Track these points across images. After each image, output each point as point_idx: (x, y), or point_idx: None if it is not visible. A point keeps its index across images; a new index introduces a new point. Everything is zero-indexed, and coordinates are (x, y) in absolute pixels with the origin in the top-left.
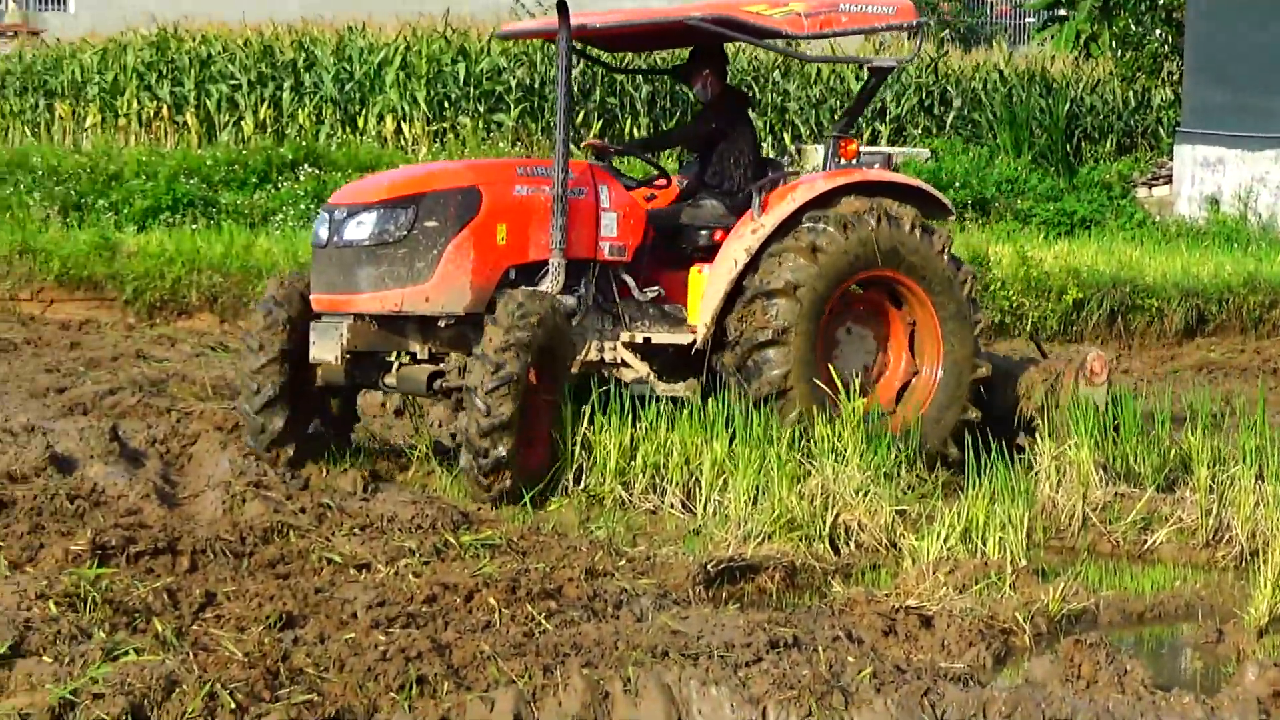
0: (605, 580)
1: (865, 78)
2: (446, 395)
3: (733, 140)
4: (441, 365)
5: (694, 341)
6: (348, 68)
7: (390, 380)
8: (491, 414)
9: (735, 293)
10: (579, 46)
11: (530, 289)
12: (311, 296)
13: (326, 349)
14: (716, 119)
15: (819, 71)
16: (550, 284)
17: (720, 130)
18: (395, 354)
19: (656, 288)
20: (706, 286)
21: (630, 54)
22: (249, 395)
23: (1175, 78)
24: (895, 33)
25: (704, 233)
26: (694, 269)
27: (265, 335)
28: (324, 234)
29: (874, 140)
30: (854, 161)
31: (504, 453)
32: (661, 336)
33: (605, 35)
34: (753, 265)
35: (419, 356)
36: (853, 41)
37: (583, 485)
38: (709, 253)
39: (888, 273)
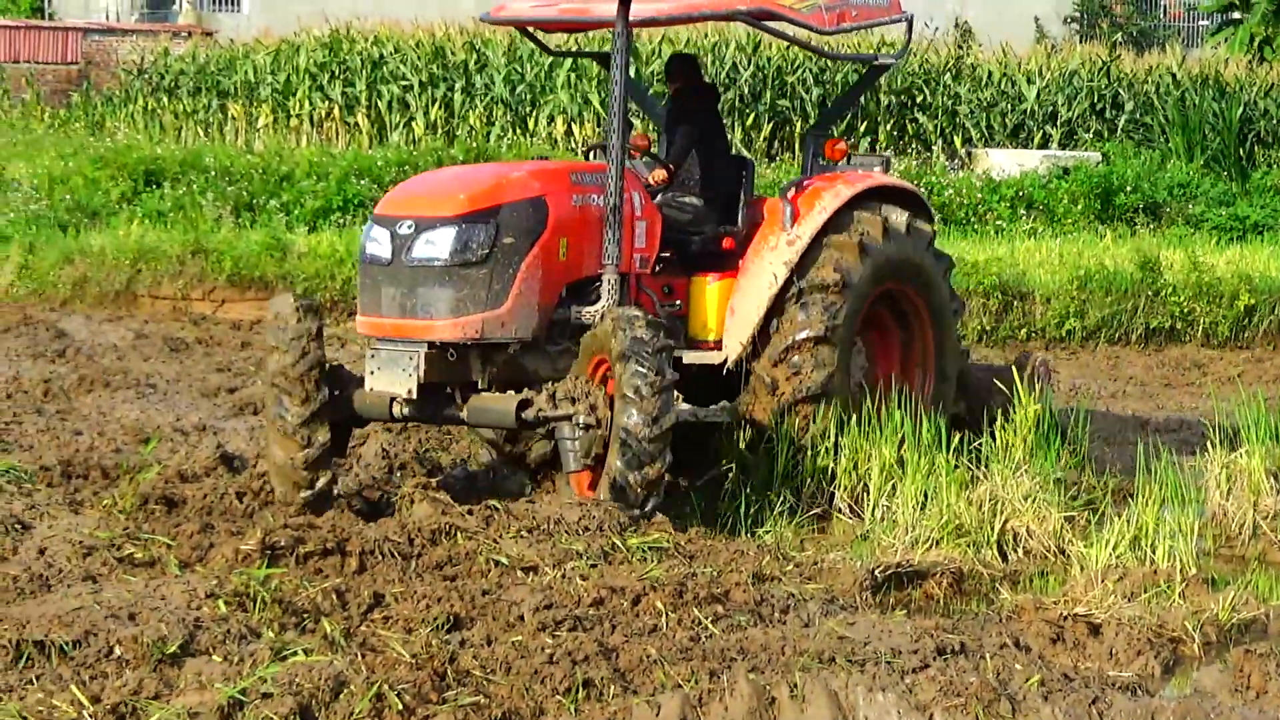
0: (772, 585)
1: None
2: (537, 427)
3: (710, 138)
4: (527, 394)
5: (725, 361)
6: (519, 69)
7: (462, 413)
8: (653, 461)
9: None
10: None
11: (640, 314)
12: (365, 319)
13: (396, 381)
14: (694, 115)
15: (990, 74)
16: (606, 303)
17: (699, 128)
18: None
19: (676, 301)
20: (737, 303)
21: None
22: (289, 409)
23: None
24: (894, 26)
25: (698, 238)
26: (700, 280)
27: (305, 345)
28: (384, 250)
29: (1045, 144)
30: (845, 162)
31: (657, 500)
32: (692, 356)
33: (652, 24)
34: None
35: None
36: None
37: (749, 489)
38: (705, 260)
39: (897, 284)
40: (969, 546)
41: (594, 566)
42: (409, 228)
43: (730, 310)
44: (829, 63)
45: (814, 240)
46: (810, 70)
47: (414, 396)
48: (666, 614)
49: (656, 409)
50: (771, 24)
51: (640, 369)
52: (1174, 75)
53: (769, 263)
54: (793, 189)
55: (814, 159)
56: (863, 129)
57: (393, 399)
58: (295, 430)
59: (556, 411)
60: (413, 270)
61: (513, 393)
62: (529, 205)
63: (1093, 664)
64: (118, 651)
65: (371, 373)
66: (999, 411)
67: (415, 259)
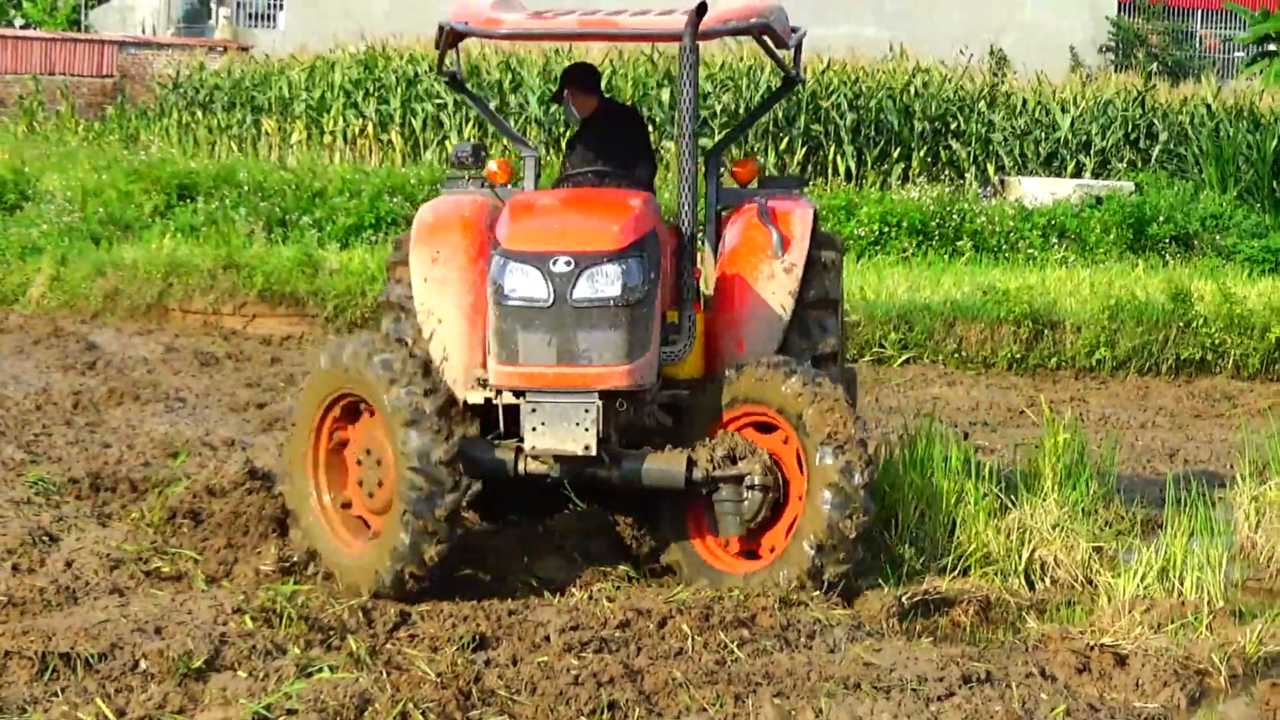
0: (799, 610)
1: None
2: (703, 489)
3: (643, 158)
4: (695, 451)
5: None
6: (553, 89)
7: (612, 473)
8: (867, 513)
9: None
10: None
11: (808, 364)
12: (514, 369)
13: (568, 438)
14: (610, 137)
15: (1024, 102)
16: (684, 346)
17: (618, 147)
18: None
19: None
20: (746, 336)
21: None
22: (441, 501)
23: None
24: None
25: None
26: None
27: (450, 425)
28: (539, 290)
29: (1079, 173)
30: (753, 184)
31: (860, 555)
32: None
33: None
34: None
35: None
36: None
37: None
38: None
39: None
40: (996, 575)
41: (619, 588)
42: (567, 264)
43: (737, 344)
44: (866, 88)
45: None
46: (845, 95)
47: (594, 453)
48: (692, 637)
49: (865, 497)
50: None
51: (850, 452)
52: (1209, 106)
53: (773, 293)
54: (767, 213)
55: (714, 177)
56: (896, 155)
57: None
58: (439, 525)
59: (729, 471)
60: (580, 312)
61: (674, 449)
62: (654, 236)
63: (1119, 695)
64: (143, 665)
65: (533, 429)
66: None
67: (583, 299)
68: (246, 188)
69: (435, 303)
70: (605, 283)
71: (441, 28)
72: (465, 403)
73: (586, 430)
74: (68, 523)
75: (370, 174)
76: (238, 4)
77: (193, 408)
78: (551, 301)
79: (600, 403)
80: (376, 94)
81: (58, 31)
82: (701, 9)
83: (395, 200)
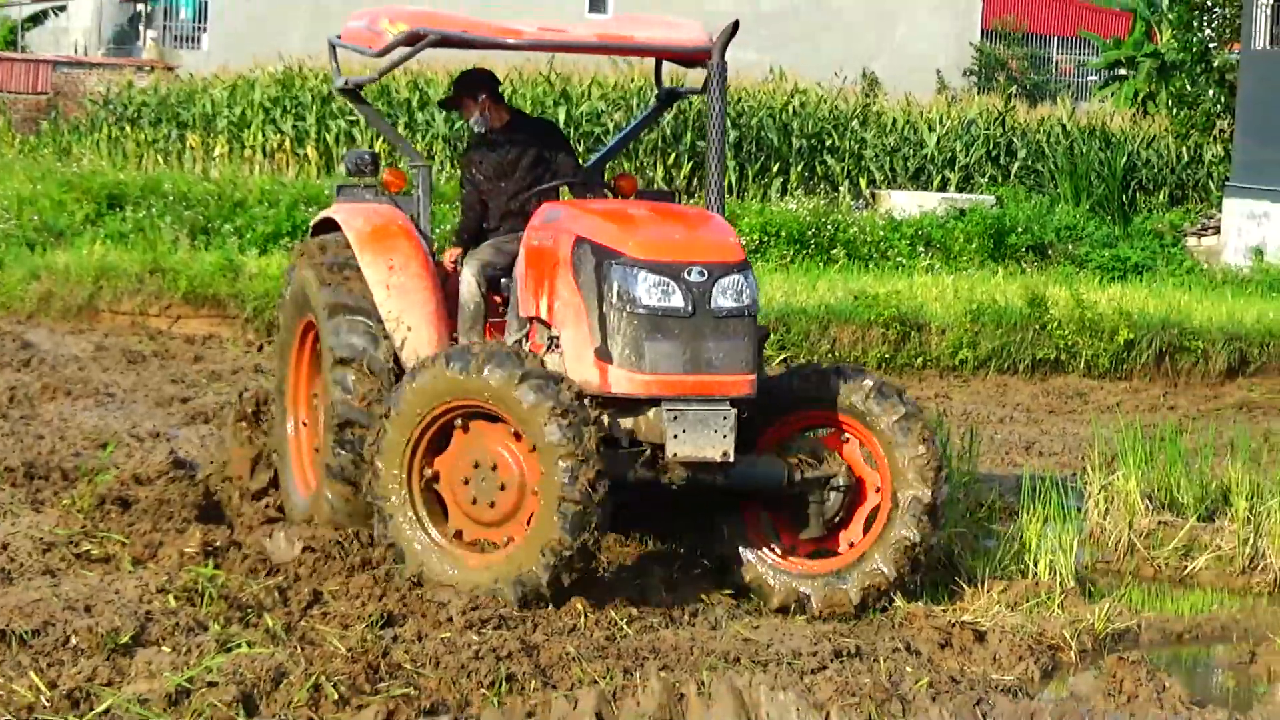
0: (684, 590)
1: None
2: (796, 491)
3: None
4: (783, 454)
5: None
6: None
7: (715, 478)
8: (944, 516)
9: None
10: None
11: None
12: (653, 377)
13: (708, 444)
14: (541, 149)
15: (894, 121)
16: None
17: (554, 160)
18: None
19: None
20: None
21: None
22: (588, 522)
23: (1226, 135)
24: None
25: None
26: None
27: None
28: (679, 300)
29: (944, 187)
30: (633, 198)
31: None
32: None
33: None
34: None
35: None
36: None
37: None
38: None
39: None
40: None
41: None
42: (701, 275)
43: None
44: (748, 107)
45: None
46: (729, 114)
47: (730, 460)
48: (585, 615)
49: (943, 501)
50: None
51: (929, 447)
52: (1064, 126)
53: None
54: None
55: (599, 194)
56: (775, 169)
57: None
58: (575, 551)
59: (817, 473)
60: (720, 321)
61: (770, 455)
62: None
63: (978, 668)
64: (74, 641)
65: (674, 436)
66: None
67: (722, 309)
68: (172, 198)
69: (402, 310)
70: (736, 293)
71: (416, 38)
72: None
73: (725, 437)
74: (3, 509)
75: (287, 185)
76: (164, 26)
77: (121, 402)
78: (691, 311)
79: (734, 410)
80: (293, 111)
81: None
82: (735, 27)
83: (311, 210)
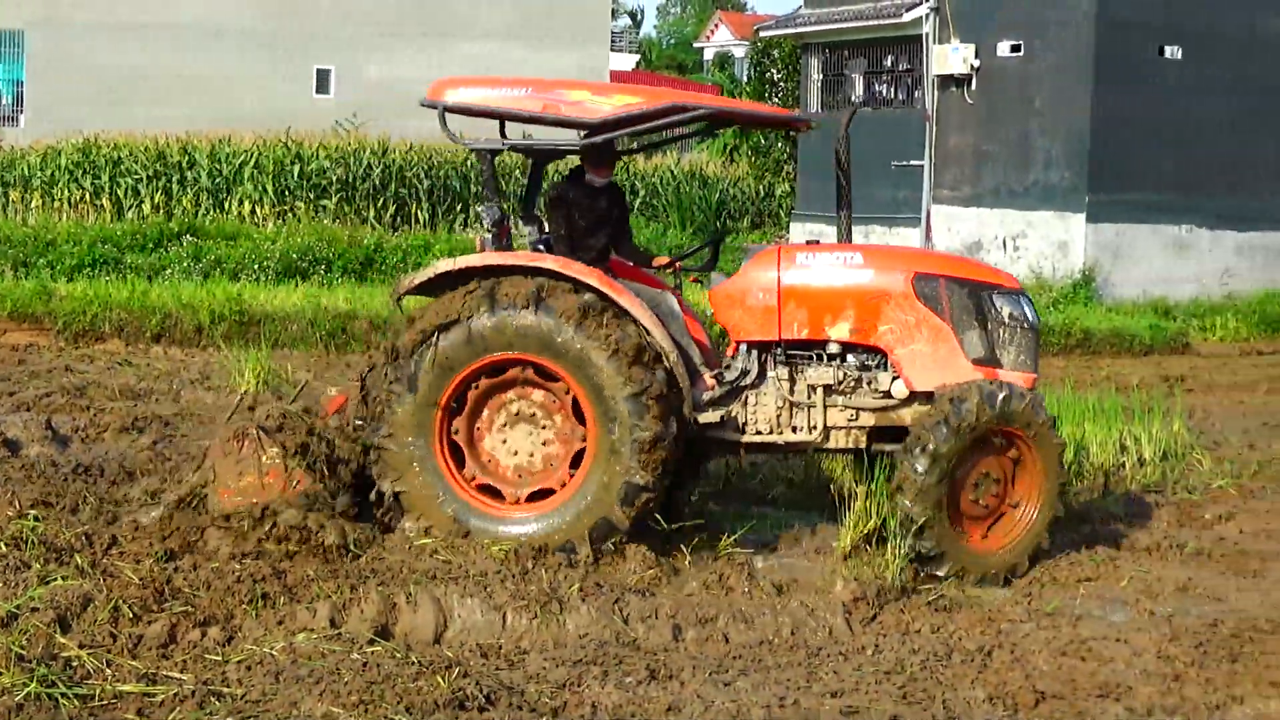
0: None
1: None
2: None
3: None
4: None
5: None
6: (218, 166)
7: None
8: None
9: None
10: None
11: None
12: (1034, 376)
13: None
14: (617, 203)
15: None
16: None
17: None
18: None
19: None
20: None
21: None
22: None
23: (791, 176)
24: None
25: None
26: None
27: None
28: (1035, 316)
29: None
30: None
31: None
32: None
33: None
34: None
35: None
36: None
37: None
38: None
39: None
40: None
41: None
42: (1028, 299)
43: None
44: (437, 162)
45: None
46: (423, 168)
47: None
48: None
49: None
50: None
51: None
52: (672, 172)
53: None
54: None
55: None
56: (459, 208)
57: None
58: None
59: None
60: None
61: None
62: None
63: (619, 576)
64: None
65: None
66: None
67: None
68: None
69: (672, 338)
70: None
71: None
72: (696, 420)
73: None
74: None
75: (89, 228)
76: None
77: None
78: (1038, 324)
79: None
80: (91, 172)
81: None
82: (856, 109)
83: (107, 246)
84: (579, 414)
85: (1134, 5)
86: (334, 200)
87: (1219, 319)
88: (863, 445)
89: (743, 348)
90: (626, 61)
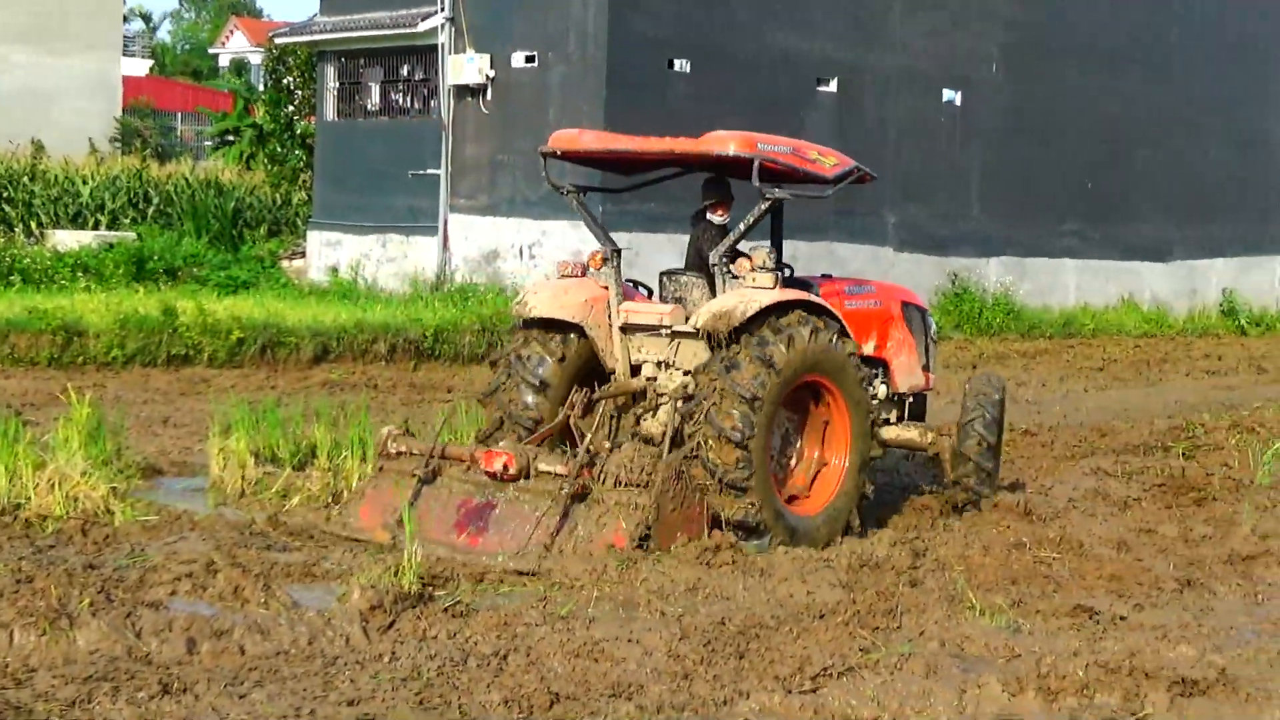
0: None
1: None
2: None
3: None
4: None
5: None
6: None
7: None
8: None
9: None
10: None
11: None
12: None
13: None
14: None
15: (56, 176)
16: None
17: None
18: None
19: None
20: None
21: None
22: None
23: (308, 184)
24: None
25: None
26: None
27: None
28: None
29: (97, 226)
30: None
31: None
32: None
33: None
34: None
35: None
36: None
37: None
38: None
39: None
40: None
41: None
42: None
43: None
44: None
45: None
46: None
47: None
48: None
49: None
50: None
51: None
52: (187, 179)
53: None
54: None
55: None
56: None
57: None
58: None
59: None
60: None
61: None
62: None
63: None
64: None
65: None
66: None
67: None
68: None
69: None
70: None
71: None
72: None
73: None
74: None
75: None
76: None
77: None
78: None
79: None
80: None
81: None
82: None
83: None
84: None
85: (644, 20)
86: None
87: None
88: None
89: None
90: (140, 67)
